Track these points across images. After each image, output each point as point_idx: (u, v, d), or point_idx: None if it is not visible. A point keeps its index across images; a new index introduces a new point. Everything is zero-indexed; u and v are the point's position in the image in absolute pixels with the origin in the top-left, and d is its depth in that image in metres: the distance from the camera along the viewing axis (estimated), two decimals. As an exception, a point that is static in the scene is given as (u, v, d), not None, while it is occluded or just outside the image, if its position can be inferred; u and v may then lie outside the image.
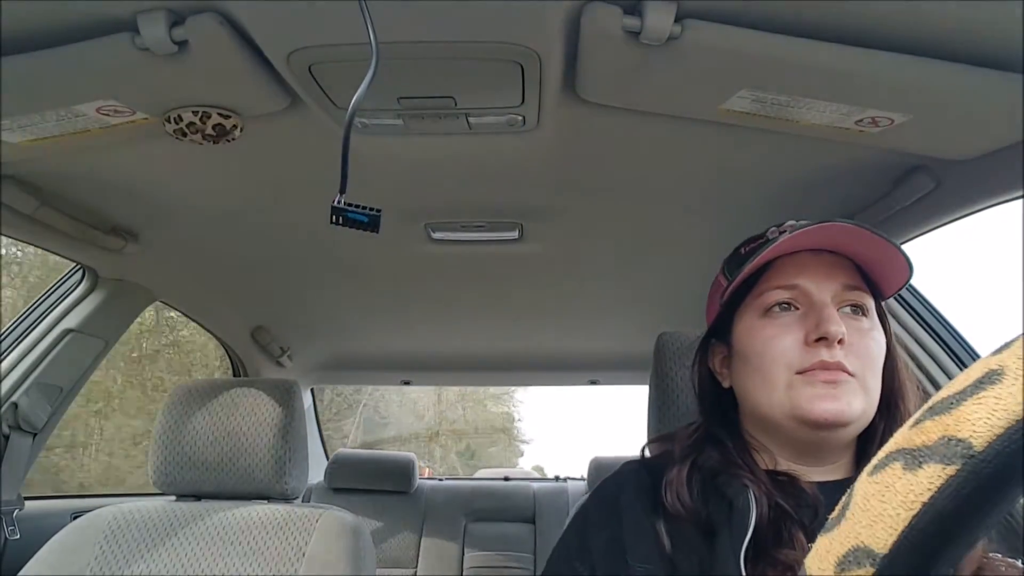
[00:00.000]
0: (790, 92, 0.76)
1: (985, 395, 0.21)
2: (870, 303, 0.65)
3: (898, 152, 0.89)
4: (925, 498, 0.20)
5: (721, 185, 1.11)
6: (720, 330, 0.71)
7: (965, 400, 0.21)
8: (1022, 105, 0.73)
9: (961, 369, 0.29)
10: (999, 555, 0.52)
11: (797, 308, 0.64)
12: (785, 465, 0.64)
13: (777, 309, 0.64)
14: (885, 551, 0.21)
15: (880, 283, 0.66)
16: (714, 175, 1.07)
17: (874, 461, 0.23)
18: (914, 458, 0.21)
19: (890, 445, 0.23)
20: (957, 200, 0.96)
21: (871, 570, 0.21)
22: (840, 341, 0.59)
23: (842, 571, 0.22)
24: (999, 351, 0.22)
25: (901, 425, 0.62)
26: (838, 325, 0.59)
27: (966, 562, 0.46)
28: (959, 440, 0.20)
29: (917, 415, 0.23)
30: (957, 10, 0.65)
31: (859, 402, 0.60)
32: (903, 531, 0.21)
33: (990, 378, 0.21)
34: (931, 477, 0.21)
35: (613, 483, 0.71)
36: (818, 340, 0.60)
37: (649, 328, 1.01)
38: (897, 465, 0.22)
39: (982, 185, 0.91)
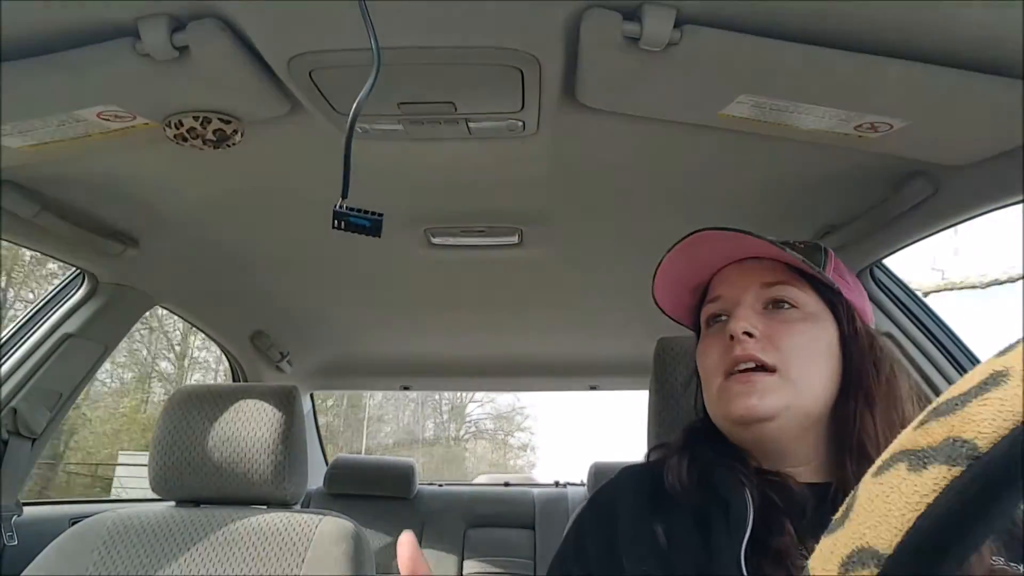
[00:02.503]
0: (789, 97, 0.77)
1: (990, 396, 0.20)
2: (798, 295, 0.64)
3: (897, 157, 0.89)
4: (930, 499, 0.20)
5: (720, 190, 1.11)
6: None
7: (970, 402, 0.21)
8: (1021, 110, 0.73)
9: (961, 374, 0.29)
10: (1001, 559, 0.52)
11: (727, 317, 0.66)
12: (768, 467, 0.64)
13: (711, 322, 0.68)
14: (889, 552, 0.21)
15: (812, 273, 0.65)
16: (714, 181, 1.08)
17: (878, 463, 0.23)
18: (919, 459, 0.21)
19: (894, 446, 0.23)
20: (956, 205, 0.96)
21: (875, 571, 0.21)
22: (748, 335, 0.61)
23: (846, 572, 0.22)
24: (1003, 353, 0.22)
25: (870, 405, 0.62)
26: (739, 321, 0.62)
27: (975, 564, 0.46)
28: (964, 441, 0.20)
29: (921, 416, 0.23)
30: (956, 15, 0.65)
31: (777, 397, 0.60)
32: (908, 532, 0.21)
33: (995, 380, 0.21)
34: (936, 478, 0.20)
35: (610, 488, 0.71)
36: (731, 339, 0.62)
37: (649, 333, 1.01)
38: (902, 466, 0.22)
39: (981, 190, 0.91)
